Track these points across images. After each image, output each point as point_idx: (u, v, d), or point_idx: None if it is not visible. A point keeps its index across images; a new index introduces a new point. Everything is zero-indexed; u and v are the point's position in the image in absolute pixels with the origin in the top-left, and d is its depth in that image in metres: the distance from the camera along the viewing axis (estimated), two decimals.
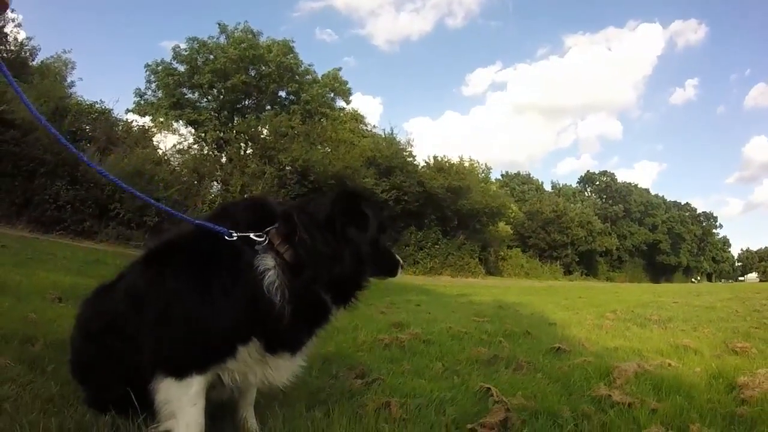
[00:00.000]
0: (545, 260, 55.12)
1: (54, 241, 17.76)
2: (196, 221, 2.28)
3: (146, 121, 33.36)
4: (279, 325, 2.16)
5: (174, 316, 2.18)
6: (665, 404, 3.32)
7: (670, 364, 4.61)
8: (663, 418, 3.06)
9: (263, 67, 36.83)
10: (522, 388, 3.51)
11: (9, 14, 26.87)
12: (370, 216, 2.34)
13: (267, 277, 2.15)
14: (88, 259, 12.40)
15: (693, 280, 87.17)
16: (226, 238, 2.18)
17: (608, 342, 6.04)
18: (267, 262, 2.18)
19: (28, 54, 30.55)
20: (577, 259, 59.49)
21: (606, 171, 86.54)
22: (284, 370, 2.35)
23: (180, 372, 2.15)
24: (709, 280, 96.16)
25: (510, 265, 46.92)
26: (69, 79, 32.15)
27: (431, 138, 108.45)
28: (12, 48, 29.24)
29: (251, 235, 2.19)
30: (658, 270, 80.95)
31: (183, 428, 2.15)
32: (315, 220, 2.23)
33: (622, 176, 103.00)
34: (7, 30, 29.64)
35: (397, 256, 2.53)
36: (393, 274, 2.52)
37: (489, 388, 3.25)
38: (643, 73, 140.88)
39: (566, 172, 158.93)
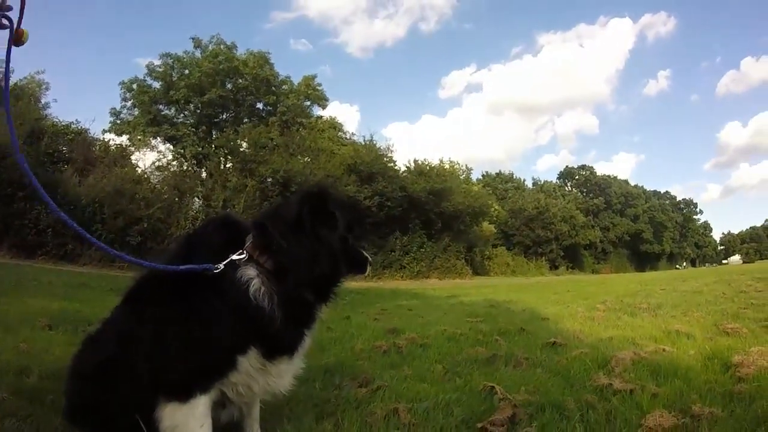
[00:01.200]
0: (530, 257, 55.55)
1: (37, 266, 17.62)
2: (181, 267, 2.23)
3: (123, 140, 33.06)
4: (272, 329, 2.19)
5: (168, 342, 2.18)
6: (665, 388, 3.38)
7: (664, 350, 4.67)
8: (664, 401, 3.10)
9: (239, 80, 36.84)
10: (524, 383, 3.55)
11: None
12: (338, 215, 2.39)
13: (252, 285, 2.19)
14: (73, 282, 12.28)
15: (678, 266, 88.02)
16: (214, 272, 2.19)
17: (602, 333, 6.09)
18: (249, 272, 2.21)
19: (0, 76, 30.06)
20: (562, 254, 59.99)
21: (585, 165, 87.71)
22: (285, 374, 2.37)
23: (183, 395, 2.15)
24: (693, 265, 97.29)
25: (496, 263, 47.14)
26: (43, 101, 31.65)
27: (410, 142, 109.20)
28: None
29: (233, 257, 2.22)
30: (642, 259, 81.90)
31: None
32: (287, 225, 2.27)
33: (601, 169, 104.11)
34: None
35: (365, 253, 2.57)
36: (363, 270, 2.56)
37: (493, 387, 3.28)
38: (615, 67, 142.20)
39: (546, 169, 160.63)
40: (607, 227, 75.95)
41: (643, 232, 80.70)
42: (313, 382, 3.54)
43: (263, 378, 2.29)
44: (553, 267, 57.55)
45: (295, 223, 2.28)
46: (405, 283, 27.27)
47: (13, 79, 30.32)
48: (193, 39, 37.13)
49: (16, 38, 2.26)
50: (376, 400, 3.17)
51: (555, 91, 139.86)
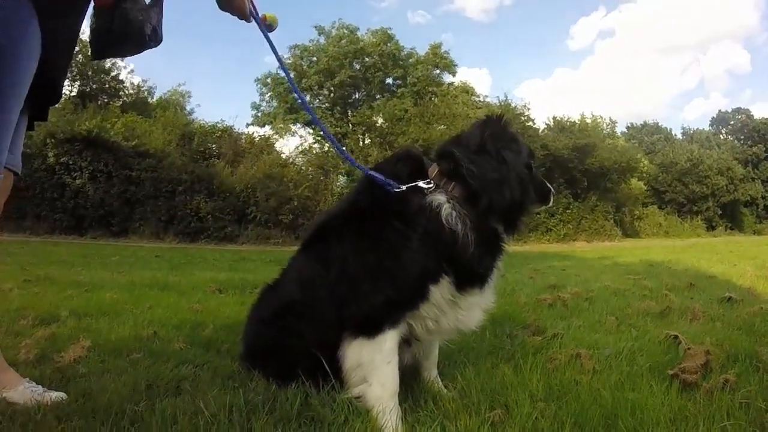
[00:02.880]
0: (684, 216, 51.31)
1: (201, 247, 19.49)
2: (368, 171, 2.24)
3: (266, 130, 35.41)
4: (465, 255, 2.07)
5: (355, 276, 2.14)
6: None
7: None
8: None
9: (366, 59, 37.35)
10: (707, 335, 3.37)
11: (120, 62, 31.44)
12: (520, 139, 2.29)
13: (444, 209, 2.08)
14: (235, 257, 13.42)
15: None
16: (394, 190, 2.14)
17: None
18: (439, 198, 2.11)
19: (146, 94, 33.72)
20: (720, 212, 54.64)
21: (740, 108, 77.71)
22: (475, 308, 2.26)
23: (371, 329, 2.08)
24: None
25: (647, 224, 43.99)
26: (188, 108, 35.23)
27: (546, 99, 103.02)
28: (131, 92, 32.34)
29: (420, 183, 2.14)
30: None
31: (378, 388, 2.06)
32: (473, 150, 2.16)
33: (760, 111, 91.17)
34: (122, 77, 34.16)
35: (548, 184, 2.44)
36: (546, 201, 2.44)
37: (676, 336, 3.16)
38: None
39: (696, 116, 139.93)
40: None
41: None
42: (484, 331, 3.47)
43: (453, 311, 2.18)
44: (710, 227, 52.70)
45: (479, 147, 2.16)
46: (552, 246, 26.55)
47: (159, 92, 34.66)
48: (316, 27, 38.18)
49: (268, 26, 2.53)
50: (553, 347, 3.13)
51: (696, 26, 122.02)
